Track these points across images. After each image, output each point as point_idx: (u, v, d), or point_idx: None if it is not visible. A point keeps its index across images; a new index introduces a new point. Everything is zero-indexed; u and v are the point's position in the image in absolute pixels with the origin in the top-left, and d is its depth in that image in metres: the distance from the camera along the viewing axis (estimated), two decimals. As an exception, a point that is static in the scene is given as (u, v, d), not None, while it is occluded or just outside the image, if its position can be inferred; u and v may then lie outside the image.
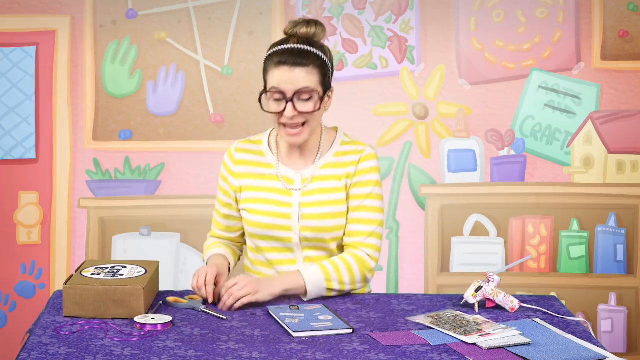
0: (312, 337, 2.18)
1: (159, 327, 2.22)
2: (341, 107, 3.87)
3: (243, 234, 2.72)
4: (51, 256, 3.95)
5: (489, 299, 2.39)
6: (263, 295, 2.42)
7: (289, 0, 3.91)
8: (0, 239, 3.94)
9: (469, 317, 2.31)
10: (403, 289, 3.98)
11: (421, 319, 2.32)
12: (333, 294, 2.52)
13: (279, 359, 2.04)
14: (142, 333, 2.19)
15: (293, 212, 2.55)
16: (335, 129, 2.66)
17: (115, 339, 2.15)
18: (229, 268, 2.63)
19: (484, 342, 2.13)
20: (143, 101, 3.94)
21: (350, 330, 2.22)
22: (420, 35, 3.93)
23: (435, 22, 3.92)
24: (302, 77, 2.46)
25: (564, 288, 3.98)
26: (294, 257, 2.59)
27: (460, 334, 2.18)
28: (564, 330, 2.25)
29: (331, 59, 2.54)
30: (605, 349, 2.12)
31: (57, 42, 3.90)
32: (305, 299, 2.49)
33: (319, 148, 2.60)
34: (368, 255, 2.56)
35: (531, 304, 2.44)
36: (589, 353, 2.08)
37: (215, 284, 2.47)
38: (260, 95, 2.52)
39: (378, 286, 3.94)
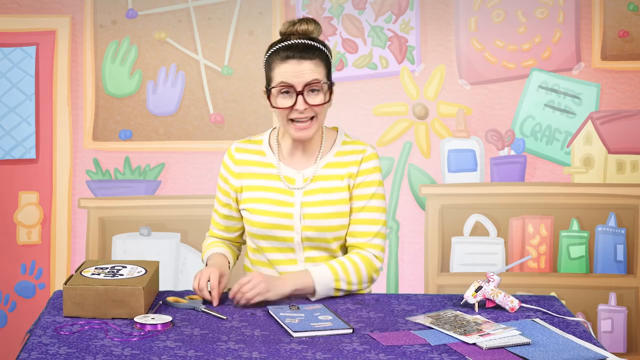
0: (312, 337, 2.18)
1: (159, 327, 2.22)
2: (341, 107, 3.87)
3: (242, 234, 2.73)
4: (51, 256, 3.95)
5: (489, 299, 2.39)
6: (273, 295, 2.43)
7: (289, 0, 3.91)
8: (0, 239, 3.94)
9: (469, 317, 2.31)
10: (403, 289, 3.98)
11: (421, 319, 2.32)
12: (340, 294, 2.53)
13: (279, 359, 2.04)
14: (142, 333, 2.19)
15: (295, 211, 2.55)
16: (336, 129, 2.66)
17: (115, 339, 2.15)
18: (229, 267, 2.64)
19: (484, 342, 2.13)
20: (143, 101, 3.94)
21: (350, 330, 2.22)
22: (420, 35, 3.93)
23: (435, 22, 3.92)
24: (311, 70, 2.47)
25: (564, 288, 3.98)
26: (295, 257, 2.59)
27: (460, 334, 2.18)
28: (564, 330, 2.25)
29: (331, 55, 2.56)
30: (605, 349, 2.12)
31: (57, 42, 3.90)
32: (312, 299, 2.49)
33: (320, 148, 2.60)
34: (374, 255, 2.58)
35: (531, 304, 2.44)
36: (589, 353, 2.08)
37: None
38: (268, 92, 2.51)
39: (378, 286, 3.94)
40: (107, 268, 2.45)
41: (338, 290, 2.51)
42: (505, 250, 3.99)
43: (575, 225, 3.97)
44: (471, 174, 3.97)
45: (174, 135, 3.95)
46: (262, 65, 2.57)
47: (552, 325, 2.28)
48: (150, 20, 3.91)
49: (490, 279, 2.40)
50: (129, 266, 2.47)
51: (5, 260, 3.94)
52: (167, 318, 2.25)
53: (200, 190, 3.95)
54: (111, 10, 3.90)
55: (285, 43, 2.50)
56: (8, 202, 3.93)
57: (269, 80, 2.52)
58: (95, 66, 3.92)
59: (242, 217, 2.67)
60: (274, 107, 2.50)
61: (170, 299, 2.43)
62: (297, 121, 2.49)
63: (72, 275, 2.39)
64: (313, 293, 2.49)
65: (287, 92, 2.48)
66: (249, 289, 2.39)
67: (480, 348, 2.11)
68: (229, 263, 2.65)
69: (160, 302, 2.42)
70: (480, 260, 3.97)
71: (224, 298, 2.48)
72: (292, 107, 2.47)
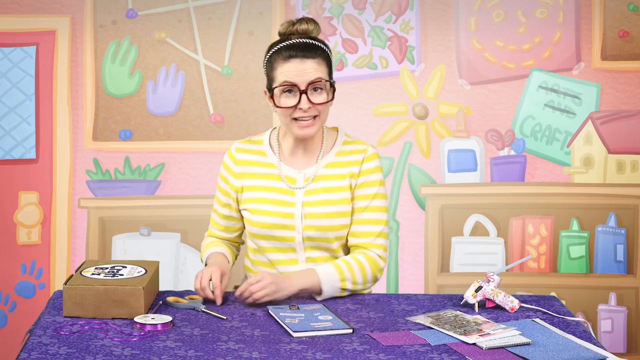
0: (312, 337, 2.18)
1: (159, 327, 2.22)
2: (341, 107, 3.87)
3: (241, 234, 2.73)
4: (51, 256, 3.95)
5: (489, 299, 2.39)
6: (281, 296, 2.44)
7: (289, 0, 3.91)
8: (0, 239, 3.94)
9: (469, 317, 2.31)
10: (403, 289, 3.98)
11: (421, 319, 2.32)
12: (345, 294, 2.53)
13: (279, 359, 2.04)
14: (142, 333, 2.19)
15: (296, 211, 2.55)
16: (336, 129, 2.66)
17: (115, 339, 2.15)
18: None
19: (484, 342, 2.13)
20: (143, 101, 3.94)
21: (350, 330, 2.22)
22: (420, 35, 3.93)
23: (435, 22, 3.92)
24: (313, 69, 2.47)
25: (564, 288, 3.98)
26: (296, 257, 2.59)
27: (460, 334, 2.18)
28: (564, 330, 2.25)
29: (332, 54, 2.56)
30: (605, 349, 2.12)
31: (57, 42, 3.90)
32: (318, 299, 2.49)
33: (321, 147, 2.60)
34: (378, 255, 2.59)
35: (531, 304, 2.44)
36: (589, 353, 2.08)
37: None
38: (271, 91, 2.51)
39: (378, 286, 3.93)
40: (107, 268, 2.45)
41: (344, 290, 2.52)
42: (505, 250, 3.99)
43: (575, 225, 3.97)
44: (471, 174, 3.97)
45: (174, 135, 3.95)
46: (263, 66, 2.57)
47: (552, 325, 2.28)
48: (150, 20, 3.91)
49: (490, 279, 2.40)
50: (129, 266, 2.47)
51: (5, 260, 3.94)
52: (167, 318, 2.25)
53: (200, 190, 3.95)
54: (111, 10, 3.90)
55: (287, 42, 2.49)
56: (8, 202, 3.94)
57: (271, 80, 2.52)
58: (95, 66, 3.92)
59: (241, 217, 2.67)
60: (277, 106, 2.50)
61: (170, 299, 2.43)
62: (301, 119, 2.49)
63: (72, 275, 2.39)
64: (319, 292, 2.49)
65: (290, 91, 2.48)
66: (258, 289, 2.40)
67: (480, 348, 2.11)
68: (229, 262, 2.65)
69: (160, 302, 2.42)
70: (480, 260, 3.97)
71: (223, 298, 2.48)
72: (295, 107, 2.47)
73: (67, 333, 2.19)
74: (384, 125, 3.95)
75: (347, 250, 2.65)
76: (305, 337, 2.18)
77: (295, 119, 2.49)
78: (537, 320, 2.31)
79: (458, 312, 2.35)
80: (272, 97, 2.52)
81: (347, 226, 2.58)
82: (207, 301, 2.45)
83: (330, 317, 2.29)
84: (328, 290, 2.49)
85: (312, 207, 2.55)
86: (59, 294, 2.47)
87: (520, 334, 2.17)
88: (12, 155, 3.93)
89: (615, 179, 3.96)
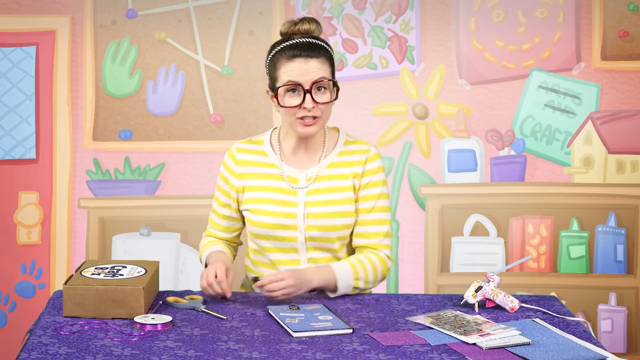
0: (312, 337, 2.18)
1: (159, 327, 2.22)
2: (341, 107, 3.87)
3: (239, 235, 2.72)
4: (51, 256, 3.95)
5: (489, 299, 2.39)
6: (298, 294, 2.45)
7: (289, 0, 3.91)
8: (0, 239, 3.94)
9: (469, 317, 2.31)
10: (403, 289, 3.98)
11: (421, 319, 2.32)
12: (355, 292, 2.55)
13: (279, 359, 2.04)
14: (142, 333, 2.19)
15: (298, 211, 2.55)
16: (337, 129, 2.66)
17: (115, 339, 2.15)
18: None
19: (484, 342, 2.13)
20: (143, 101, 3.94)
21: (350, 330, 2.22)
22: (420, 35, 3.93)
23: (435, 22, 3.92)
24: (317, 68, 2.47)
25: (564, 288, 3.98)
26: (298, 257, 2.59)
27: (460, 334, 2.18)
28: (564, 330, 2.25)
29: (334, 53, 2.56)
30: (605, 349, 2.12)
31: (57, 42, 3.90)
32: (331, 296, 2.51)
33: (323, 147, 2.61)
34: (387, 256, 2.61)
35: (531, 304, 2.44)
36: (589, 353, 2.08)
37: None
38: (275, 91, 2.51)
39: (378, 286, 3.93)
40: (107, 268, 2.45)
41: (355, 288, 2.54)
42: (505, 250, 3.99)
43: (575, 225, 3.97)
44: (471, 174, 3.97)
45: (174, 135, 3.95)
46: (265, 65, 2.56)
47: (552, 325, 2.28)
48: (150, 20, 3.91)
49: (490, 279, 2.40)
50: (129, 266, 2.47)
51: (5, 260, 3.94)
52: (167, 318, 2.25)
53: (200, 190, 3.95)
54: (111, 10, 3.90)
55: (291, 42, 2.49)
56: (8, 202, 3.93)
57: (274, 79, 2.52)
58: (95, 66, 3.92)
59: (241, 217, 2.67)
60: (281, 106, 2.50)
61: (170, 299, 2.43)
62: (305, 118, 2.49)
63: (72, 275, 2.39)
64: (334, 290, 2.51)
65: (294, 90, 2.48)
66: (278, 287, 2.40)
67: (480, 348, 2.11)
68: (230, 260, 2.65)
69: (160, 302, 2.42)
70: (480, 260, 3.97)
71: (223, 298, 2.48)
72: (299, 106, 2.47)
73: (67, 333, 2.19)
74: (384, 125, 3.95)
75: (349, 250, 2.65)
76: (305, 337, 2.18)
77: (299, 118, 2.49)
78: (537, 320, 2.31)
79: (458, 312, 2.35)
80: (275, 96, 2.51)
81: (349, 226, 2.59)
82: (208, 301, 2.45)
83: (330, 317, 2.29)
84: (342, 288, 2.51)
85: (314, 207, 2.55)
86: (59, 294, 2.47)
87: (520, 334, 2.17)
88: (12, 155, 3.93)
89: (615, 179, 3.96)
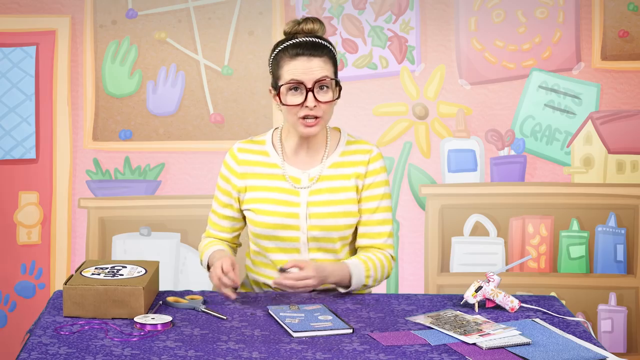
0: (312, 337, 2.18)
1: (159, 327, 2.22)
2: (341, 107, 3.86)
3: (239, 236, 2.72)
4: (51, 256, 3.95)
5: (489, 299, 2.39)
6: (314, 288, 2.47)
7: (289, 0, 3.91)
8: (0, 239, 3.94)
9: (469, 317, 2.31)
10: (403, 289, 3.98)
11: (421, 319, 2.32)
12: (362, 289, 2.58)
13: (279, 359, 2.04)
14: (142, 333, 2.19)
15: (301, 211, 2.55)
16: (338, 129, 2.66)
17: (115, 339, 2.15)
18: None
19: (484, 342, 2.13)
20: (143, 101, 3.94)
21: (350, 330, 2.22)
22: (420, 35, 3.93)
23: (435, 22, 3.92)
24: (320, 67, 2.48)
25: (564, 288, 3.98)
26: (300, 258, 2.59)
27: (460, 334, 2.18)
28: (564, 330, 2.25)
29: (337, 53, 2.56)
30: (605, 349, 2.12)
31: (57, 42, 3.90)
32: (342, 291, 2.52)
33: (325, 147, 2.61)
34: (391, 256, 2.64)
35: (531, 304, 2.44)
36: (589, 353, 2.08)
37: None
38: (278, 89, 2.51)
39: (378, 286, 3.93)
40: (107, 268, 2.45)
41: (365, 286, 2.56)
42: (505, 250, 3.99)
43: (575, 225, 3.97)
44: (471, 174, 3.97)
45: (174, 135, 3.95)
46: (269, 64, 2.56)
47: (552, 325, 2.28)
48: (150, 20, 3.91)
49: (490, 279, 2.40)
50: (129, 266, 2.47)
51: (5, 260, 3.94)
52: (167, 318, 2.25)
53: (200, 190, 3.95)
54: (111, 10, 3.90)
55: (294, 41, 2.50)
56: (8, 202, 3.93)
57: (276, 78, 2.52)
58: (95, 66, 3.92)
59: (241, 218, 2.67)
60: (283, 104, 2.50)
61: (170, 299, 2.43)
62: (306, 118, 2.49)
63: (72, 275, 2.39)
64: (347, 286, 2.52)
65: (296, 89, 2.48)
66: (302, 285, 2.41)
67: (480, 348, 2.11)
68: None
69: (160, 302, 2.42)
70: (480, 260, 3.97)
71: (224, 298, 2.48)
72: (302, 104, 2.47)
73: (67, 333, 2.19)
74: (384, 125, 3.95)
75: (350, 250, 2.65)
76: (305, 337, 2.18)
77: (301, 117, 2.49)
78: (537, 320, 2.31)
79: (458, 312, 2.35)
80: (277, 95, 2.52)
81: (351, 226, 2.59)
82: (209, 300, 2.45)
83: (330, 317, 2.29)
84: (355, 285, 2.53)
85: (317, 207, 2.55)
86: (59, 294, 2.47)
87: (520, 334, 2.17)
88: (12, 155, 3.93)
89: (615, 179, 3.96)
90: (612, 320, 4.00)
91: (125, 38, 3.91)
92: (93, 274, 2.40)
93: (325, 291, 2.57)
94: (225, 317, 2.32)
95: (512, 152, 3.96)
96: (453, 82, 3.94)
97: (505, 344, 2.12)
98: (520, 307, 2.41)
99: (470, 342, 2.14)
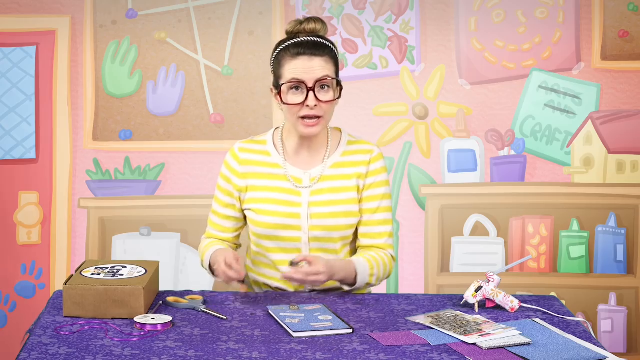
0: (312, 337, 2.18)
1: (159, 327, 2.22)
2: (341, 107, 3.86)
3: (238, 236, 2.72)
4: (51, 256, 3.95)
5: (489, 299, 2.39)
6: (324, 283, 2.48)
7: (289, 0, 3.91)
8: (0, 239, 3.94)
9: (469, 317, 2.31)
10: (403, 289, 3.98)
11: (421, 319, 2.32)
12: (364, 288, 2.59)
13: (279, 359, 2.04)
14: (142, 333, 2.19)
15: (302, 211, 2.55)
16: (339, 130, 2.66)
17: (115, 339, 2.15)
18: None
19: (484, 342, 2.13)
20: (143, 101, 3.94)
21: (350, 330, 2.22)
22: (420, 35, 3.93)
23: (435, 22, 3.92)
24: (321, 67, 2.48)
25: (564, 288, 3.98)
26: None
27: (460, 334, 2.18)
28: (564, 330, 2.25)
29: (338, 53, 2.56)
30: (605, 349, 2.12)
31: (57, 42, 3.90)
32: (346, 289, 2.54)
33: (327, 147, 2.61)
34: (392, 256, 2.65)
35: (531, 304, 2.44)
36: (589, 353, 2.08)
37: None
38: (279, 88, 2.51)
39: (378, 286, 3.93)
40: (107, 268, 2.45)
41: (368, 284, 2.57)
42: (505, 250, 3.99)
43: (575, 225, 3.97)
44: (471, 174, 3.97)
45: (174, 135, 3.95)
46: (270, 63, 2.57)
47: (552, 325, 2.28)
48: (150, 20, 3.91)
49: (490, 279, 2.40)
50: (129, 266, 2.47)
51: (5, 260, 3.94)
52: (167, 318, 2.25)
53: (200, 190, 3.95)
54: (111, 10, 3.90)
55: (296, 40, 2.50)
56: (8, 202, 3.94)
57: (278, 77, 2.52)
58: (95, 66, 3.92)
59: (242, 218, 2.67)
60: (284, 103, 2.50)
61: (170, 299, 2.43)
62: (307, 118, 2.49)
63: (72, 275, 2.39)
64: (352, 284, 2.53)
65: (297, 88, 2.48)
66: (312, 280, 2.41)
67: (480, 348, 2.11)
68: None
69: (160, 302, 2.42)
70: (480, 260, 3.97)
71: (223, 298, 2.48)
72: (302, 104, 2.48)
73: (67, 333, 2.19)
74: (384, 125, 3.95)
75: (350, 250, 2.65)
76: (305, 337, 2.18)
77: (302, 117, 2.49)
78: (537, 320, 2.31)
79: (458, 312, 2.35)
80: (278, 94, 2.52)
81: (352, 226, 2.60)
82: (209, 300, 2.45)
83: (330, 317, 2.29)
84: (359, 283, 2.54)
85: (318, 207, 2.56)
86: (59, 294, 2.47)
87: (520, 334, 2.17)
88: (12, 155, 3.93)
89: (615, 179, 3.96)
90: (612, 320, 4.00)
91: (125, 38, 3.91)
92: (93, 274, 2.40)
93: (325, 291, 2.57)
94: (225, 317, 2.32)
95: (512, 152, 3.96)
96: (453, 82, 3.94)
97: (505, 344, 2.12)
98: (520, 307, 2.41)
99: (470, 342, 2.14)
